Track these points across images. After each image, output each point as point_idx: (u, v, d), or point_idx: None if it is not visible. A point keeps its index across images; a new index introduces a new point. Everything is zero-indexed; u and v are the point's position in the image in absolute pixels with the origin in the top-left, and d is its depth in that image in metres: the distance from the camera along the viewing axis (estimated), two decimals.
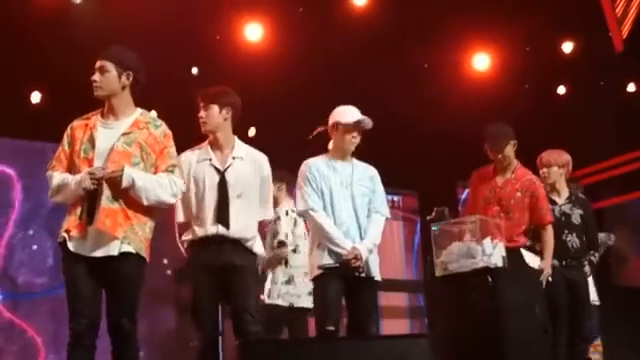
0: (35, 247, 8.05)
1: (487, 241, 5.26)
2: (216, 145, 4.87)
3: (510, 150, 5.95)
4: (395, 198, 10.75)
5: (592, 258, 6.29)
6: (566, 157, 6.42)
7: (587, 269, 6.26)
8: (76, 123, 4.39)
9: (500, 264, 5.22)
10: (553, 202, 6.20)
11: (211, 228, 4.70)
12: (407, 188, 10.70)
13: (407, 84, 8.86)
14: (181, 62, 8.12)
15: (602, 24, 8.88)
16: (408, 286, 10.45)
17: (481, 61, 9.39)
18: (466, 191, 11.47)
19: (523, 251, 5.70)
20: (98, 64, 4.35)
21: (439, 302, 5.35)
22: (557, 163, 6.35)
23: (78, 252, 4.17)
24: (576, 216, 6.22)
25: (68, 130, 4.38)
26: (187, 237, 4.79)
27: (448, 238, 5.44)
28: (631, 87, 9.83)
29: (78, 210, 4.19)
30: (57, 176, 4.28)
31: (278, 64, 8.27)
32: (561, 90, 9.91)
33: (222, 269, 4.69)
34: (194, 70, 8.40)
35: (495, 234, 5.35)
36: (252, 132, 9.22)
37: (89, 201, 4.16)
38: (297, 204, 5.25)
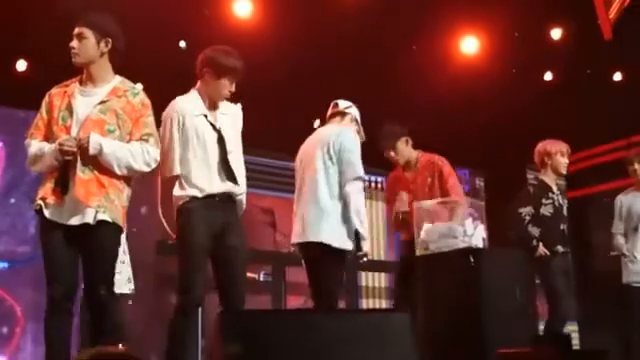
0: (17, 215, 8.02)
1: (468, 222, 5.32)
2: (211, 102, 4.76)
3: (401, 146, 6.02)
4: (378, 179, 10.76)
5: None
6: None
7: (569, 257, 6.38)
8: (54, 90, 4.35)
9: (480, 245, 5.27)
10: (552, 191, 6.34)
11: (221, 185, 4.63)
12: (390, 169, 10.70)
13: (396, 65, 8.86)
14: (169, 36, 8.07)
15: (591, 11, 8.90)
16: (389, 267, 10.47)
17: (469, 44, 9.39)
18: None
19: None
20: (76, 31, 4.31)
21: (420, 281, 5.37)
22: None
23: (54, 219, 4.16)
24: (564, 207, 6.32)
25: (46, 98, 4.35)
26: (185, 192, 4.61)
27: (429, 218, 5.48)
28: (617, 76, 9.86)
29: (53, 179, 4.18)
30: (35, 144, 4.26)
31: (267, 41, 8.22)
32: (548, 76, 9.93)
33: (222, 230, 4.61)
34: (182, 44, 8.35)
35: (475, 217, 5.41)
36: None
37: (62, 171, 4.15)
38: (356, 169, 5.21)
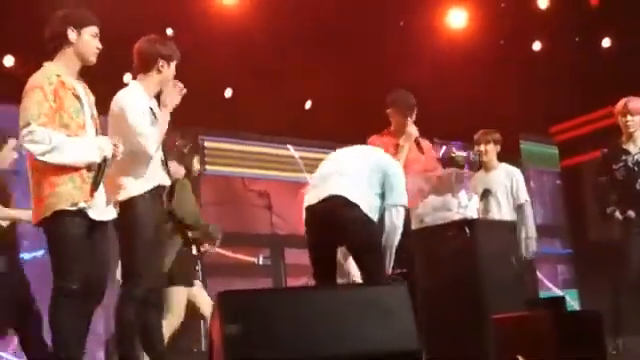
0: None
1: (462, 193, 5.33)
2: (154, 93, 4.62)
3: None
4: None
5: None
6: None
7: None
8: (55, 78, 4.08)
9: (475, 216, 5.30)
10: (627, 152, 6.08)
11: (163, 177, 4.59)
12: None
13: (384, 41, 8.85)
14: (155, 23, 8.04)
15: None
16: None
17: (457, 17, 9.38)
18: (444, 148, 11.52)
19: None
20: (98, 30, 4.26)
21: (417, 254, 5.38)
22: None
23: (94, 217, 4.13)
24: None
25: (49, 85, 4.02)
26: (138, 186, 4.43)
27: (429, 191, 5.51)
28: (606, 42, 9.85)
29: (84, 176, 4.09)
30: (59, 135, 4.00)
31: (253, 23, 8.22)
32: (536, 46, 9.92)
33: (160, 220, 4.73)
34: (169, 31, 8.33)
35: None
36: (229, 93, 9.22)
37: (102, 169, 4.12)
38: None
